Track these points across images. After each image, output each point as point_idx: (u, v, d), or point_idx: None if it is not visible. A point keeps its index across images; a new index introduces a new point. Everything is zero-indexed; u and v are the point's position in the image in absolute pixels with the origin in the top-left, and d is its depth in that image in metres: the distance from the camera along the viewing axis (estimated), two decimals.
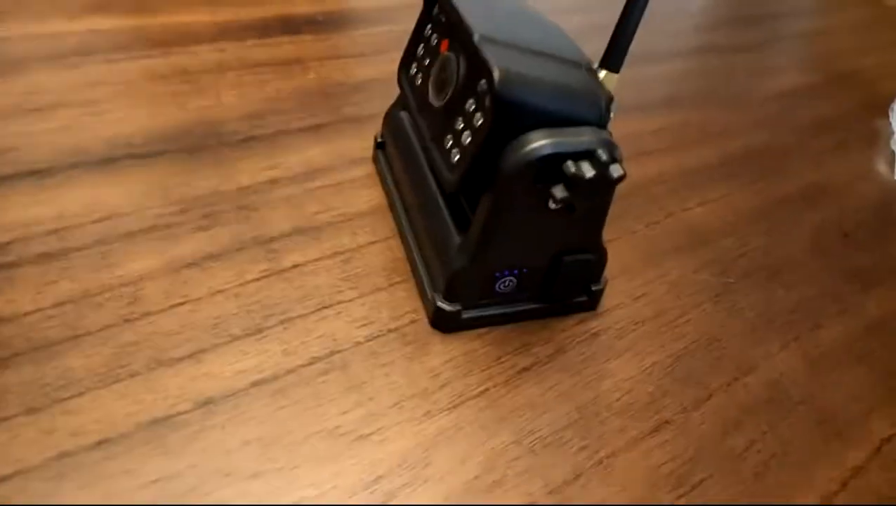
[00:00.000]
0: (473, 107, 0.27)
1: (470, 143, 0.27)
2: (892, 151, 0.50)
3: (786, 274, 0.38)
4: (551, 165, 0.25)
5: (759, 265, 0.38)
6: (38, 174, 0.35)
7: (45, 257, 0.30)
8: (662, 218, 0.40)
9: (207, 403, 0.26)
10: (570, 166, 0.25)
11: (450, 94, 0.28)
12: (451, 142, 0.28)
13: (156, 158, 0.37)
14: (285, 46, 0.49)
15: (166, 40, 0.46)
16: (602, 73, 0.30)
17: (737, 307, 0.35)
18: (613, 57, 0.30)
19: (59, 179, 0.34)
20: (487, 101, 0.25)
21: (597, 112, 0.26)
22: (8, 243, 0.31)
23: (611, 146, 0.26)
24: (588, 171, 0.25)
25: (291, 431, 0.26)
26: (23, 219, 0.32)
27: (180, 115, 0.40)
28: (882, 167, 0.49)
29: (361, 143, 0.41)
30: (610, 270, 0.35)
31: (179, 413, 0.26)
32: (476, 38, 0.26)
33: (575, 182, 0.25)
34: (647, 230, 0.39)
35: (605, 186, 0.25)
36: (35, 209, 0.33)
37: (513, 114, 0.25)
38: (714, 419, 0.30)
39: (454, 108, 0.28)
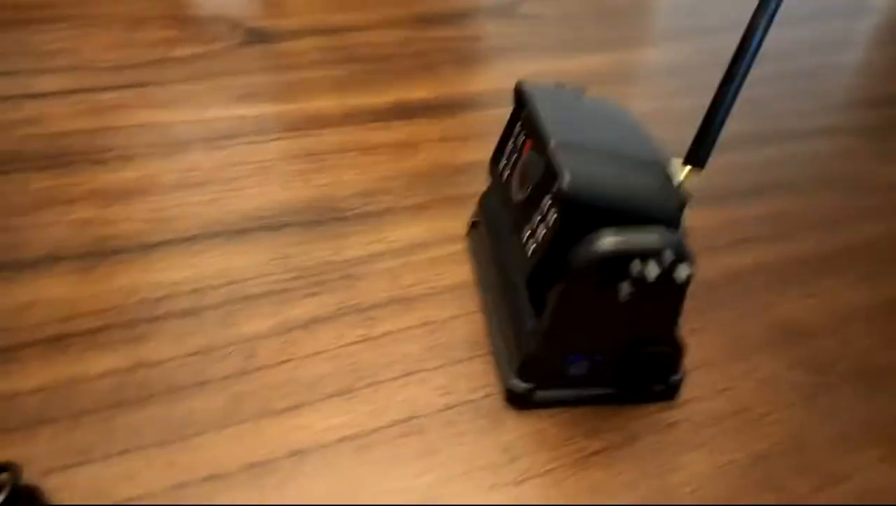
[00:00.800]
0: (548, 205, 0.29)
1: (543, 237, 0.29)
2: None
3: (891, 381, 0.36)
4: (618, 263, 0.27)
5: (860, 369, 0.36)
6: (188, 241, 0.41)
7: (185, 313, 0.36)
8: (756, 310, 0.39)
9: (299, 452, 0.30)
10: (636, 266, 0.26)
11: (529, 190, 0.31)
12: (528, 234, 0.31)
13: (280, 230, 0.43)
14: (400, 129, 0.54)
15: (299, 125, 0.54)
16: (684, 170, 0.32)
17: (832, 411, 0.34)
18: (698, 153, 0.31)
19: (202, 246, 0.41)
20: (558, 202, 0.28)
21: (667, 213, 0.28)
22: (160, 299, 0.37)
23: (678, 247, 0.27)
24: (653, 271, 0.26)
25: (368, 486, 0.29)
26: (173, 279, 0.38)
27: (305, 191, 0.46)
28: None
29: (459, 222, 0.44)
30: (693, 361, 0.36)
31: (276, 459, 0.30)
32: (551, 144, 0.29)
33: (639, 281, 0.26)
34: (739, 322, 0.38)
35: (669, 286, 0.27)
36: (183, 272, 0.39)
37: (580, 214, 0.27)
38: None
39: (533, 203, 0.30)
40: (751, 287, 0.41)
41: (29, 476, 0.27)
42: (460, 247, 0.42)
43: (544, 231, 0.29)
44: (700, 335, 0.37)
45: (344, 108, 0.56)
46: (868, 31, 0.79)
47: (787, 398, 0.34)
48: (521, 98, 0.34)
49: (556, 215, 0.28)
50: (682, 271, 0.26)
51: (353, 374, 0.34)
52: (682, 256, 0.27)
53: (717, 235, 0.45)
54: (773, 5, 0.29)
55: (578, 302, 0.29)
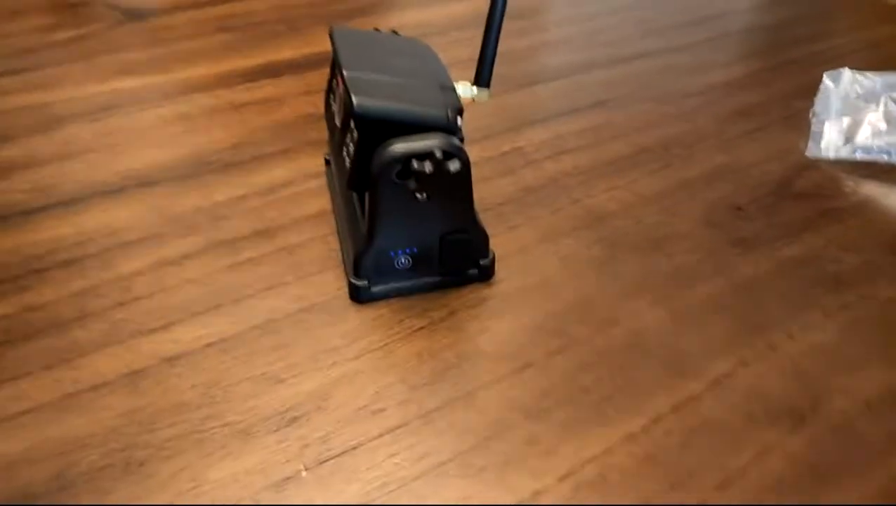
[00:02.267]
0: (352, 124, 0.35)
1: (352, 151, 0.35)
2: (811, 129, 0.53)
3: (671, 245, 0.44)
4: (404, 164, 0.33)
5: (646, 238, 0.44)
6: (68, 203, 0.46)
7: (67, 263, 0.41)
8: (567, 205, 0.47)
9: (170, 359, 0.36)
10: (414, 164, 0.32)
11: (342, 116, 0.37)
12: (345, 151, 0.37)
13: (155, 185, 0.47)
14: (268, 88, 0.59)
15: (173, 93, 0.58)
16: (473, 89, 0.38)
17: (617, 273, 0.41)
18: (481, 74, 0.37)
19: (83, 207, 0.45)
20: (353, 119, 0.34)
21: (443, 121, 0.34)
22: (42, 255, 0.42)
23: (449, 146, 0.33)
24: (428, 167, 0.32)
25: (229, 377, 0.35)
26: (55, 237, 0.43)
27: (178, 150, 0.51)
28: (796, 147, 0.53)
29: (319, 161, 0.50)
30: (508, 249, 0.43)
31: (150, 366, 0.35)
32: (346, 75, 0.34)
33: (419, 176, 0.33)
34: (551, 216, 0.46)
35: (448, 178, 0.33)
36: (64, 230, 0.44)
37: (372, 128, 0.33)
38: (571, 363, 0.36)
39: (345, 126, 0.36)
40: (565, 187, 0.48)
41: None
42: (320, 182, 0.48)
43: (352, 145, 0.35)
44: (517, 230, 0.44)
45: (216, 74, 0.61)
46: None
47: (582, 270, 0.42)
48: (331, 43, 0.39)
49: (355, 132, 0.34)
50: (452, 165, 0.33)
51: (219, 294, 0.39)
52: (451, 153, 0.33)
53: (542, 148, 0.52)
54: None
55: (386, 202, 0.35)
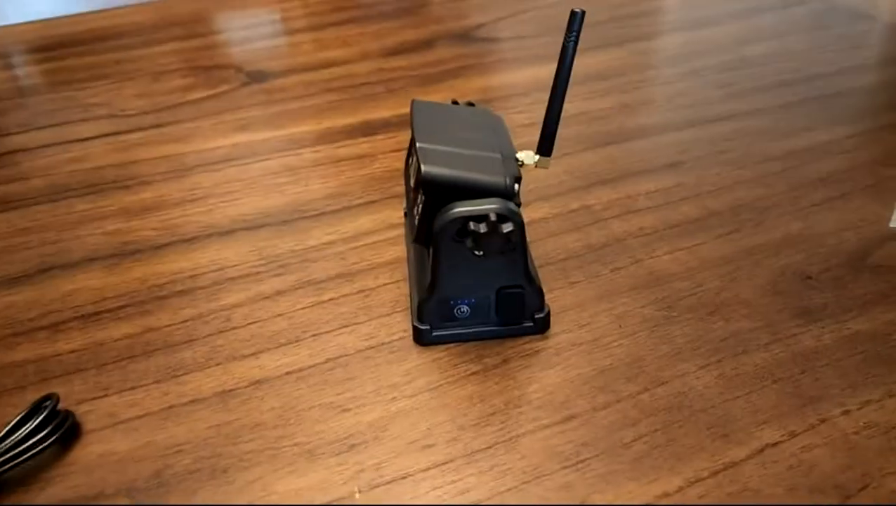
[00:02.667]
0: (421, 188, 0.39)
1: (420, 210, 0.40)
2: None
3: (729, 310, 0.44)
4: (462, 224, 0.37)
5: (704, 302, 0.45)
6: (188, 241, 0.54)
7: (182, 293, 0.48)
8: (629, 264, 0.48)
9: (256, 382, 0.41)
10: (471, 225, 0.36)
11: (414, 180, 0.41)
12: (416, 210, 0.41)
13: (258, 229, 0.55)
14: (363, 144, 0.66)
15: (282, 147, 0.66)
16: (535, 157, 0.42)
17: (670, 335, 0.43)
18: (543, 143, 0.41)
19: (199, 245, 0.53)
20: (421, 184, 0.38)
21: (500, 187, 0.38)
22: (164, 284, 0.49)
23: (504, 210, 0.37)
24: (483, 228, 0.36)
25: (303, 401, 0.40)
26: (175, 269, 0.51)
27: (281, 199, 0.58)
28: (879, 217, 0.52)
29: (400, 213, 0.55)
30: (565, 304, 0.45)
31: (240, 387, 0.41)
32: (417, 145, 0.39)
33: (475, 236, 0.36)
34: (611, 274, 0.48)
35: (500, 237, 0.37)
36: (183, 263, 0.51)
37: (436, 193, 0.38)
38: (614, 418, 0.38)
39: (416, 189, 0.41)
40: (629, 247, 0.50)
41: (64, 404, 0.40)
42: (398, 232, 0.53)
43: (421, 206, 0.40)
44: (576, 286, 0.47)
45: (319, 131, 0.68)
46: (797, 20, 0.86)
47: (635, 329, 0.43)
48: (410, 115, 0.44)
49: (423, 195, 0.39)
50: (506, 227, 0.36)
51: (301, 329, 0.45)
52: (505, 216, 0.37)
53: (610, 207, 0.54)
54: (576, 27, 0.38)
55: (446, 257, 0.39)
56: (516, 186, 0.39)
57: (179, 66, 0.85)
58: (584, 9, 0.38)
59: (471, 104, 0.47)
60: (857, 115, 0.66)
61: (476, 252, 0.38)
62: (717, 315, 0.44)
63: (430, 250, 0.40)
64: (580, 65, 0.40)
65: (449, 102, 0.47)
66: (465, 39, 0.86)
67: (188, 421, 0.39)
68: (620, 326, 0.43)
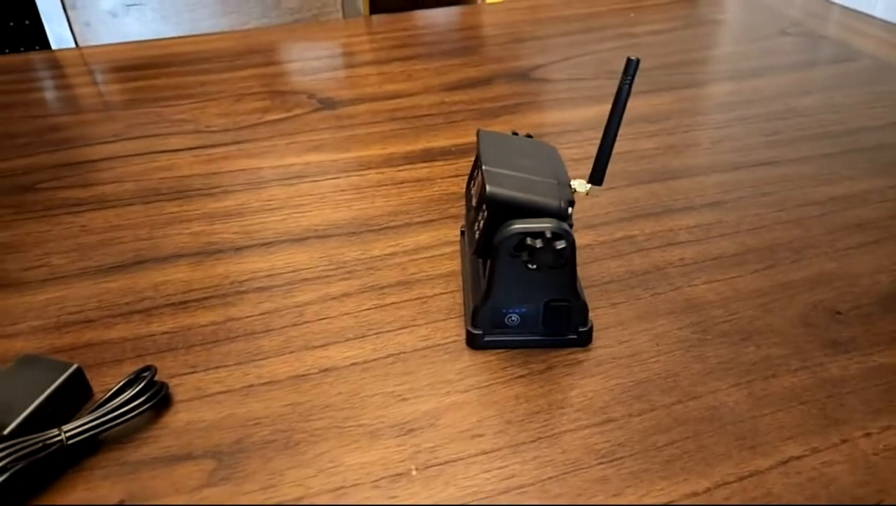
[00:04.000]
0: (483, 206, 0.44)
1: (482, 226, 0.44)
2: None
3: (761, 337, 0.47)
4: (520, 240, 0.42)
5: (738, 329, 0.48)
6: (266, 245, 0.60)
7: (261, 289, 0.54)
8: (667, 290, 0.52)
9: (325, 370, 0.46)
10: (528, 240, 0.41)
11: (477, 199, 0.47)
12: (476, 227, 0.46)
13: (328, 238, 0.60)
14: (423, 169, 0.71)
15: (349, 168, 0.72)
16: (587, 186, 0.47)
17: (704, 356, 0.46)
18: (595, 173, 0.46)
19: (275, 249, 0.59)
20: (485, 203, 0.43)
21: (555, 208, 0.42)
22: (244, 281, 0.55)
23: (558, 228, 0.41)
24: (538, 243, 0.41)
25: (366, 390, 0.44)
26: (254, 269, 0.56)
27: (348, 213, 0.64)
28: None
29: (457, 231, 0.60)
30: (607, 322, 0.49)
31: (310, 373, 0.46)
32: (483, 168, 0.44)
33: (531, 250, 0.41)
34: (650, 298, 0.51)
35: (553, 253, 0.41)
36: (261, 264, 0.57)
37: (499, 210, 0.43)
38: (648, 424, 0.41)
39: (479, 207, 0.46)
40: (668, 275, 0.54)
41: (158, 377, 0.45)
42: (454, 249, 0.58)
43: (482, 222, 0.44)
44: (618, 306, 0.50)
45: (384, 155, 0.75)
46: (841, 76, 0.89)
47: (671, 348, 0.47)
48: (477, 141, 0.50)
49: (486, 211, 0.44)
50: (559, 244, 0.41)
51: (365, 327, 0.50)
52: (559, 235, 0.41)
53: (652, 238, 0.58)
54: (632, 71, 0.43)
55: (503, 269, 0.44)
56: (570, 208, 0.43)
57: (258, 89, 0.93)
58: (639, 56, 0.43)
59: (529, 136, 0.52)
60: (891, 168, 0.69)
61: (530, 266, 0.43)
62: (750, 341, 0.47)
63: (488, 262, 0.45)
64: (629, 108, 0.44)
65: (510, 133, 0.52)
66: (522, 79, 0.92)
67: (265, 399, 0.44)
68: (658, 345, 0.47)
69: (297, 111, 0.86)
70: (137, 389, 0.43)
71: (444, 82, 0.92)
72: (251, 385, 0.45)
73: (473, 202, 0.49)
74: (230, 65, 1.01)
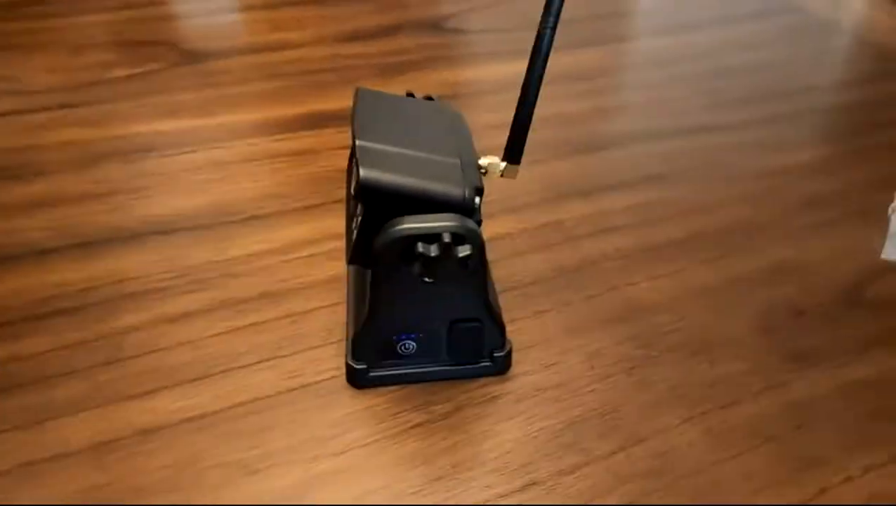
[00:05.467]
0: (360, 197, 0.32)
1: (358, 224, 0.32)
2: (889, 229, 0.47)
3: (716, 350, 0.38)
4: (409, 245, 0.30)
5: (688, 340, 0.39)
6: (83, 246, 0.45)
7: (69, 311, 0.40)
8: (603, 292, 0.42)
9: (143, 432, 0.33)
10: (419, 246, 0.29)
11: (354, 185, 0.34)
12: (353, 224, 0.34)
13: (172, 234, 0.46)
14: (306, 139, 0.57)
15: (212, 138, 0.57)
16: (501, 165, 0.35)
17: (649, 380, 0.36)
18: (511, 149, 0.34)
19: (96, 250, 0.44)
20: (359, 193, 0.31)
21: (459, 201, 0.31)
22: (46, 299, 0.40)
23: (460, 228, 0.29)
24: (433, 250, 0.29)
25: (201, 459, 0.32)
26: (63, 281, 0.42)
27: (202, 198, 0.50)
28: (871, 247, 0.47)
29: (344, 221, 0.47)
30: (530, 339, 0.38)
31: (121, 438, 0.33)
32: (358, 142, 0.32)
33: (425, 260, 0.29)
34: (583, 303, 0.41)
35: (455, 262, 0.29)
36: (74, 274, 0.42)
37: (378, 203, 0.30)
38: (582, 486, 0.31)
39: (356, 197, 0.33)
40: (603, 271, 0.43)
41: None
42: (340, 245, 0.45)
43: (360, 219, 0.32)
44: (543, 316, 0.40)
45: (257, 121, 0.60)
46: (779, 31, 0.82)
47: (609, 371, 0.37)
48: (353, 106, 0.37)
49: (362, 204, 0.31)
50: (462, 250, 0.29)
51: (210, 362, 0.37)
52: (462, 237, 0.29)
53: (583, 224, 0.47)
54: (554, 11, 0.32)
55: (389, 283, 0.32)
56: (477, 199, 0.31)
57: (102, 39, 0.75)
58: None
59: (429, 98, 0.40)
60: (849, 132, 0.61)
61: (425, 279, 0.31)
62: (702, 355, 0.38)
63: (370, 274, 0.33)
64: (554, 63, 0.33)
65: (403, 95, 0.39)
66: (432, 29, 0.78)
67: (51, 483, 0.31)
68: (593, 368, 0.37)
69: (152, 66, 0.69)
70: None
71: (341, 31, 0.77)
72: (31, 462, 0.31)
73: (351, 190, 0.36)
74: (72, 8, 0.81)
